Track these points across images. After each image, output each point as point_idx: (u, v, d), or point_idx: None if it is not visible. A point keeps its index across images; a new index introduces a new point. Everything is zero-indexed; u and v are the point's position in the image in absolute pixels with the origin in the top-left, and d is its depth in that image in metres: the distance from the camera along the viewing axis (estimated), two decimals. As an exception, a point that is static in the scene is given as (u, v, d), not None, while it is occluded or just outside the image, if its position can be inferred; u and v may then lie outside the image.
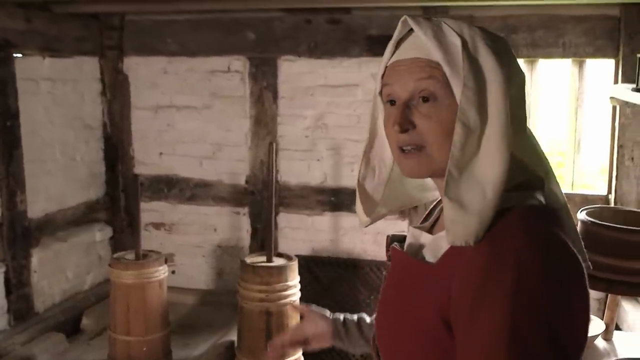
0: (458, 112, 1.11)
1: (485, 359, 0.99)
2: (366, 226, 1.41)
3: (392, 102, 1.22)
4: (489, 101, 1.12)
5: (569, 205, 1.25)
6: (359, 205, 1.41)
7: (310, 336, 1.69)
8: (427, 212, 1.44)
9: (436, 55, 1.15)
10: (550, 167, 1.26)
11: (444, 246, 1.17)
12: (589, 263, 1.17)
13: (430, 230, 1.33)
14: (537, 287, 1.00)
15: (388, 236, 1.44)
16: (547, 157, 1.26)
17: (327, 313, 1.73)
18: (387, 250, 1.41)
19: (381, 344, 1.32)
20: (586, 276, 1.09)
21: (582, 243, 1.18)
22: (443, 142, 1.14)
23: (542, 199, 1.17)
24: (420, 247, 1.28)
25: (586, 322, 1.06)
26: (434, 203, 1.44)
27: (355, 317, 1.70)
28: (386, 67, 1.25)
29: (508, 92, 1.12)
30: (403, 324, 1.21)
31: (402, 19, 1.21)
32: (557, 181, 1.26)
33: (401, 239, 1.39)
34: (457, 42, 1.14)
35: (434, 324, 1.12)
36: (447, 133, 1.14)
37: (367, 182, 1.39)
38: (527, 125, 1.23)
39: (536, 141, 1.25)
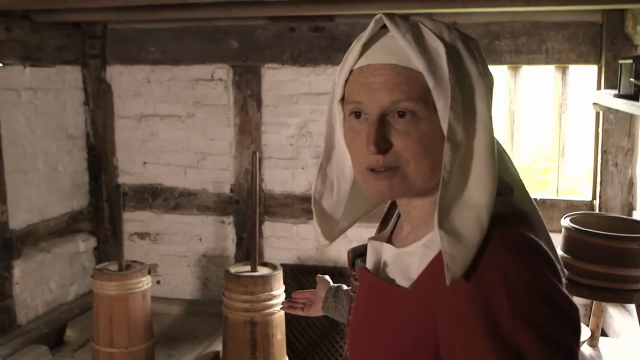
0: (447, 130, 1.00)
1: None
2: (326, 247, 1.33)
3: (357, 114, 1.08)
4: (476, 116, 1.02)
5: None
6: (316, 227, 1.26)
7: (310, 301, 1.80)
8: (381, 219, 1.34)
9: (418, 64, 1.01)
10: (518, 174, 1.18)
11: (413, 265, 1.09)
12: (563, 269, 1.09)
13: (389, 240, 1.23)
14: (529, 300, 0.93)
15: (349, 252, 1.31)
16: (514, 164, 1.19)
17: (329, 283, 1.78)
18: (351, 269, 1.31)
19: None
20: (559, 273, 1.03)
21: (555, 249, 1.11)
22: (421, 161, 1.04)
23: (512, 204, 1.08)
24: (385, 263, 1.18)
25: (576, 312, 0.98)
26: (386, 208, 1.35)
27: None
28: (351, 70, 1.10)
29: (491, 102, 1.04)
30: (378, 353, 1.11)
31: (377, 17, 1.06)
32: (525, 188, 1.18)
33: (364, 252, 1.28)
34: (440, 48, 1.02)
35: (414, 353, 1.03)
36: (425, 151, 1.03)
37: (324, 200, 1.26)
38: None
39: (502, 148, 1.16)
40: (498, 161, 1.05)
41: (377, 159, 1.04)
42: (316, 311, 1.81)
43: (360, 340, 1.19)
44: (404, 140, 1.03)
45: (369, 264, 1.23)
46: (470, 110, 1.02)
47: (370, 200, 1.29)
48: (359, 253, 1.29)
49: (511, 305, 0.92)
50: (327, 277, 1.81)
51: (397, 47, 1.03)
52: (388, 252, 1.17)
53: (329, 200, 1.26)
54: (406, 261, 1.11)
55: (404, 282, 1.10)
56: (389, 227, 1.28)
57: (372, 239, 1.25)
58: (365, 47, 1.07)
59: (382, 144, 1.03)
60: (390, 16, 1.04)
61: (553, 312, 0.93)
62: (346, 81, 1.12)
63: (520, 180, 1.17)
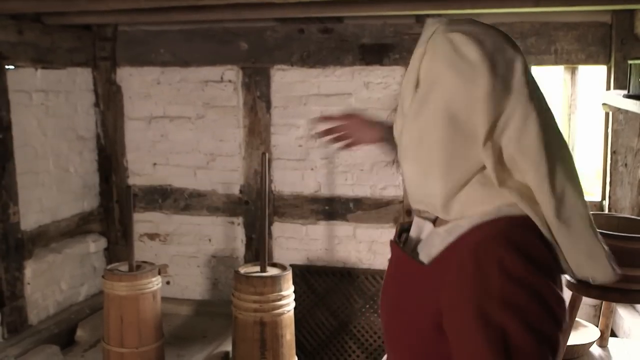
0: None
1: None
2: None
3: None
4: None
5: None
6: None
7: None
8: None
9: None
10: None
11: (436, 245, 1.23)
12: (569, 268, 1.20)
13: (435, 222, 1.33)
14: (519, 293, 1.07)
15: (398, 224, 1.48)
16: None
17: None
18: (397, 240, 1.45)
19: (384, 329, 1.39)
20: (560, 276, 1.15)
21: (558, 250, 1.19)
22: None
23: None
24: (419, 240, 1.33)
25: (561, 308, 1.11)
26: None
27: None
28: None
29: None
30: (400, 319, 1.27)
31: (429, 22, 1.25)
32: None
33: (409, 227, 1.43)
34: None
35: (425, 326, 1.19)
36: None
37: None
38: None
39: None
40: None
41: None
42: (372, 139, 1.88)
43: (387, 307, 1.36)
44: None
45: (408, 239, 1.39)
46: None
47: None
48: (406, 228, 1.43)
49: (502, 295, 1.07)
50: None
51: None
52: (427, 229, 1.32)
53: None
54: (433, 240, 1.26)
55: (425, 258, 1.25)
56: None
57: (418, 216, 1.37)
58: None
59: None
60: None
61: (539, 307, 1.07)
62: None
63: None
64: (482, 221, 1.17)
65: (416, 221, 1.37)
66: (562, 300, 1.11)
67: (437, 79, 1.17)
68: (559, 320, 1.10)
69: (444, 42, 1.17)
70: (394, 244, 1.39)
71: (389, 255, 1.43)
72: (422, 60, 1.20)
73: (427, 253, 1.25)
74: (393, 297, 1.34)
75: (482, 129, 1.15)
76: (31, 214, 4.38)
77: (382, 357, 1.51)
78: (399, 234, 1.43)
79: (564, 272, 1.19)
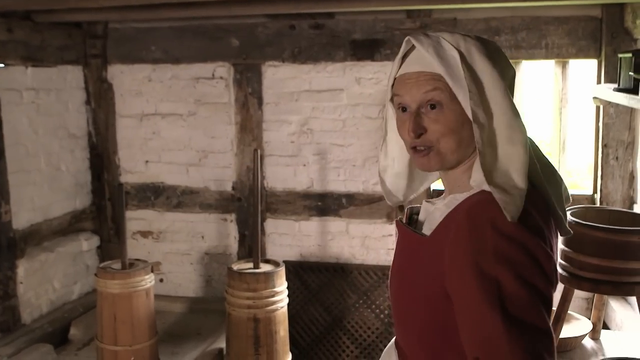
0: (472, 115, 1.31)
1: (477, 312, 1.23)
2: (394, 205, 1.68)
3: (403, 109, 1.42)
4: (492, 101, 1.33)
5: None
6: (384, 192, 1.64)
7: None
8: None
9: (439, 69, 1.33)
10: (541, 154, 1.45)
11: (436, 218, 1.41)
12: (568, 229, 1.42)
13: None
14: (511, 248, 1.23)
15: (407, 208, 1.64)
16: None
17: None
18: (406, 222, 1.61)
19: (393, 304, 1.53)
20: (546, 235, 1.31)
21: (558, 211, 1.40)
22: (448, 139, 1.37)
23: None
24: (426, 218, 1.51)
25: (549, 264, 1.27)
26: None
27: None
28: (395, 79, 1.44)
29: (505, 88, 1.33)
30: (409, 292, 1.42)
31: (406, 39, 1.40)
32: (537, 166, 1.40)
33: (419, 211, 1.60)
34: (456, 55, 1.33)
35: (432, 293, 1.33)
36: (451, 132, 1.36)
37: (387, 173, 1.62)
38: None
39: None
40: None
41: (416, 141, 1.39)
42: None
43: (396, 282, 1.51)
44: (435, 125, 1.37)
45: (421, 220, 1.55)
46: (485, 97, 1.33)
47: (428, 174, 1.61)
48: (416, 211, 1.61)
49: (495, 249, 1.23)
50: None
51: (423, 59, 1.37)
52: (430, 209, 1.50)
53: (391, 172, 1.62)
54: (434, 215, 1.45)
55: (428, 232, 1.42)
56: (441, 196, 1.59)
57: (425, 200, 1.55)
58: (403, 61, 1.42)
59: (418, 130, 1.37)
60: (415, 37, 1.38)
61: (529, 261, 1.23)
62: (392, 86, 1.47)
63: (544, 157, 1.46)
64: (475, 191, 1.35)
65: (424, 205, 1.54)
66: (550, 257, 1.27)
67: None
68: (549, 274, 1.26)
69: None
70: (398, 222, 1.56)
71: (396, 237, 1.59)
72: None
73: (429, 227, 1.43)
74: (401, 272, 1.49)
75: None
76: (23, 212, 4.37)
77: (376, 352, 1.61)
78: (409, 217, 1.60)
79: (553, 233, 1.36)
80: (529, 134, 1.36)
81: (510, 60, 1.48)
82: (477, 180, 1.35)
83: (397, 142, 1.55)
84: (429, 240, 1.39)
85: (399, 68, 1.44)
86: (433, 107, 1.36)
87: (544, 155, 1.47)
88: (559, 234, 1.43)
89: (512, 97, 1.40)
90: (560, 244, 2.72)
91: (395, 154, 1.60)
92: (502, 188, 1.27)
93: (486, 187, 1.29)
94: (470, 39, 1.36)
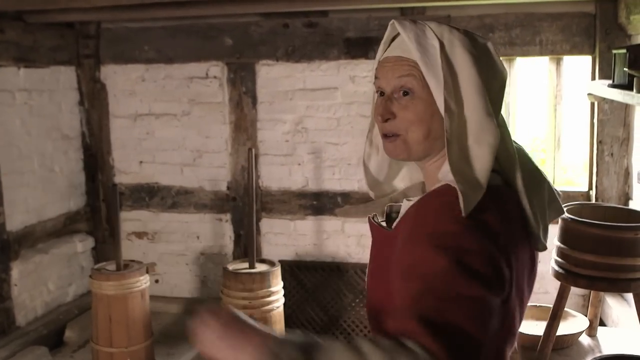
0: (443, 103, 1.28)
1: (405, 284, 1.18)
2: (376, 199, 1.63)
3: (381, 93, 1.39)
4: (463, 96, 1.31)
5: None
6: (366, 183, 1.60)
7: None
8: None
9: (415, 56, 1.32)
10: (516, 160, 1.38)
11: (402, 212, 1.40)
12: (544, 244, 1.36)
13: None
14: (447, 231, 1.20)
15: (387, 206, 1.59)
16: (516, 152, 1.40)
17: None
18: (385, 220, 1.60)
19: (367, 304, 1.49)
20: (502, 241, 1.23)
21: (533, 222, 1.35)
22: (417, 129, 1.34)
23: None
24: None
25: (486, 255, 1.19)
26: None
27: None
28: (379, 62, 1.42)
29: (482, 87, 1.31)
30: (379, 284, 1.40)
31: (391, 22, 1.37)
32: (519, 172, 1.38)
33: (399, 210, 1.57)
34: (436, 44, 1.31)
35: (393, 276, 1.28)
36: (420, 121, 1.34)
37: (371, 161, 1.58)
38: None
39: (507, 131, 1.40)
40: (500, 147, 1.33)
41: (383, 126, 1.38)
42: None
43: (369, 276, 1.49)
44: (403, 112, 1.35)
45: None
46: (460, 91, 1.31)
47: (412, 169, 1.58)
48: (395, 209, 1.55)
49: (429, 232, 1.21)
50: None
51: (404, 44, 1.35)
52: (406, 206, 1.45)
53: (375, 160, 1.58)
54: (403, 211, 1.41)
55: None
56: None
57: (406, 199, 1.50)
58: (388, 45, 1.40)
59: (386, 115, 1.35)
60: (399, 21, 1.36)
61: (452, 241, 1.18)
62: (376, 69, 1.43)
63: (518, 166, 1.39)
64: (441, 184, 1.32)
65: (404, 203, 1.49)
66: (488, 257, 1.18)
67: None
68: (482, 273, 1.16)
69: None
70: (369, 219, 1.53)
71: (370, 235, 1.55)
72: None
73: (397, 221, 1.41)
74: (374, 267, 1.46)
75: None
76: (17, 214, 4.35)
77: None
78: (388, 215, 1.56)
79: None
80: (520, 141, 1.35)
81: (505, 57, 1.48)
82: (444, 172, 1.32)
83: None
84: (393, 233, 1.38)
85: (383, 52, 1.42)
86: (405, 94, 1.34)
87: (532, 163, 1.44)
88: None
89: (502, 100, 1.39)
90: (556, 241, 2.71)
91: (380, 142, 1.55)
92: (465, 181, 1.25)
93: (450, 178, 1.26)
94: (457, 32, 1.33)
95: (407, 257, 1.22)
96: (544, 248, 1.37)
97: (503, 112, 1.47)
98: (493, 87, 1.34)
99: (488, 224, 1.23)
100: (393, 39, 1.39)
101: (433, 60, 1.30)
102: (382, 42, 1.41)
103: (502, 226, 1.25)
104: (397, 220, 1.39)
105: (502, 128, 1.35)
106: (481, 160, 1.28)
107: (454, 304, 1.10)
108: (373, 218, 1.52)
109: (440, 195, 1.29)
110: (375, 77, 1.42)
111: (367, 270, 1.53)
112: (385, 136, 1.39)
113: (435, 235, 1.20)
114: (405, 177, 1.60)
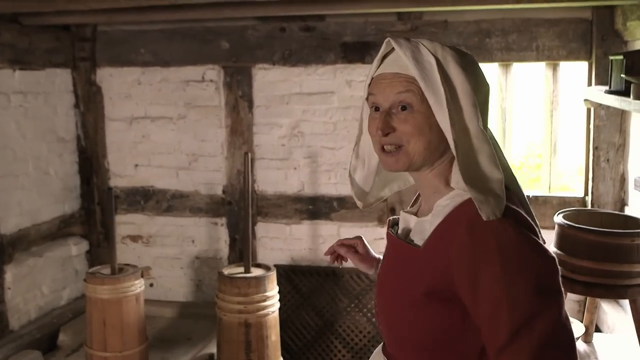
0: (448, 116, 1.35)
1: (493, 312, 1.27)
2: (363, 208, 1.73)
3: (376, 108, 1.46)
4: (463, 108, 1.38)
5: (546, 207, 1.48)
6: (352, 193, 1.69)
7: (359, 252, 1.86)
8: (414, 199, 1.68)
9: (413, 72, 1.38)
10: (507, 164, 1.49)
11: (427, 229, 1.44)
12: (539, 231, 1.42)
13: (416, 213, 1.57)
14: (515, 253, 1.29)
15: (388, 220, 1.69)
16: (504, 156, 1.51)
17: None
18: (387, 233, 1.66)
19: (380, 314, 1.57)
20: (538, 231, 1.38)
21: (533, 217, 1.44)
22: (418, 141, 1.41)
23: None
24: (409, 230, 1.55)
25: (551, 259, 1.33)
26: (417, 194, 1.67)
27: None
28: (372, 78, 1.49)
29: (474, 100, 1.39)
30: (397, 301, 1.47)
31: (386, 40, 1.45)
32: (513, 175, 1.50)
33: (397, 222, 1.65)
34: (432, 61, 1.38)
35: (417, 292, 1.38)
36: (420, 133, 1.41)
37: (357, 173, 1.67)
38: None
39: (495, 141, 1.48)
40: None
41: (384, 139, 1.43)
42: (364, 266, 1.89)
43: (384, 291, 1.56)
44: (403, 126, 1.41)
45: (400, 231, 1.60)
46: (458, 104, 1.38)
47: (398, 177, 1.68)
48: (395, 222, 1.66)
49: (498, 259, 1.28)
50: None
51: (401, 61, 1.41)
52: (412, 221, 1.55)
53: (361, 173, 1.67)
54: (423, 226, 1.48)
55: (420, 242, 1.46)
56: (416, 205, 1.64)
57: (403, 211, 1.61)
58: (382, 61, 1.47)
59: (386, 129, 1.42)
60: (395, 39, 1.43)
61: (526, 277, 1.27)
62: (369, 85, 1.50)
63: (510, 170, 1.50)
64: (461, 200, 1.39)
65: (402, 216, 1.60)
66: (545, 251, 1.33)
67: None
68: (535, 260, 1.30)
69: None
70: (390, 234, 1.60)
71: (384, 247, 1.63)
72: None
73: (420, 238, 1.46)
74: (392, 282, 1.52)
75: None
76: (11, 217, 4.32)
77: (368, 356, 1.65)
78: (391, 226, 1.64)
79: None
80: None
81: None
82: (456, 180, 1.40)
83: (370, 143, 1.57)
84: (423, 251, 1.42)
85: (377, 68, 1.48)
86: (404, 108, 1.41)
87: (507, 165, 1.51)
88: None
89: (487, 111, 1.47)
90: (552, 247, 2.71)
91: (367, 155, 1.64)
92: (478, 188, 1.32)
93: (463, 187, 1.35)
94: (448, 49, 1.41)
95: (488, 293, 1.29)
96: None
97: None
98: (479, 99, 1.40)
99: (526, 223, 1.35)
100: (385, 56, 1.46)
101: (431, 76, 1.37)
102: (376, 58, 1.48)
103: (530, 218, 1.38)
104: (427, 239, 1.42)
105: (492, 139, 1.44)
106: (488, 167, 1.37)
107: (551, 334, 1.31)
108: (392, 232, 1.60)
109: (471, 214, 1.33)
110: (370, 94, 1.48)
111: (377, 278, 1.61)
112: (383, 150, 1.45)
113: (505, 262, 1.28)
114: (392, 186, 1.71)
